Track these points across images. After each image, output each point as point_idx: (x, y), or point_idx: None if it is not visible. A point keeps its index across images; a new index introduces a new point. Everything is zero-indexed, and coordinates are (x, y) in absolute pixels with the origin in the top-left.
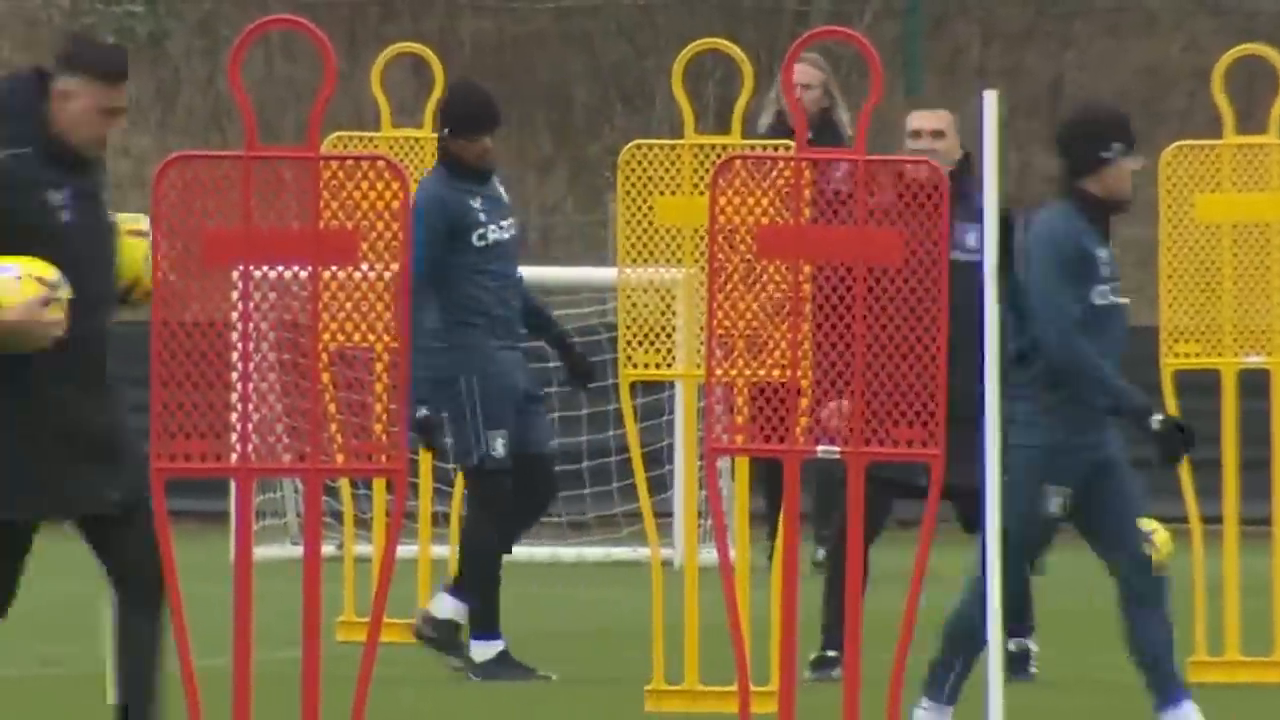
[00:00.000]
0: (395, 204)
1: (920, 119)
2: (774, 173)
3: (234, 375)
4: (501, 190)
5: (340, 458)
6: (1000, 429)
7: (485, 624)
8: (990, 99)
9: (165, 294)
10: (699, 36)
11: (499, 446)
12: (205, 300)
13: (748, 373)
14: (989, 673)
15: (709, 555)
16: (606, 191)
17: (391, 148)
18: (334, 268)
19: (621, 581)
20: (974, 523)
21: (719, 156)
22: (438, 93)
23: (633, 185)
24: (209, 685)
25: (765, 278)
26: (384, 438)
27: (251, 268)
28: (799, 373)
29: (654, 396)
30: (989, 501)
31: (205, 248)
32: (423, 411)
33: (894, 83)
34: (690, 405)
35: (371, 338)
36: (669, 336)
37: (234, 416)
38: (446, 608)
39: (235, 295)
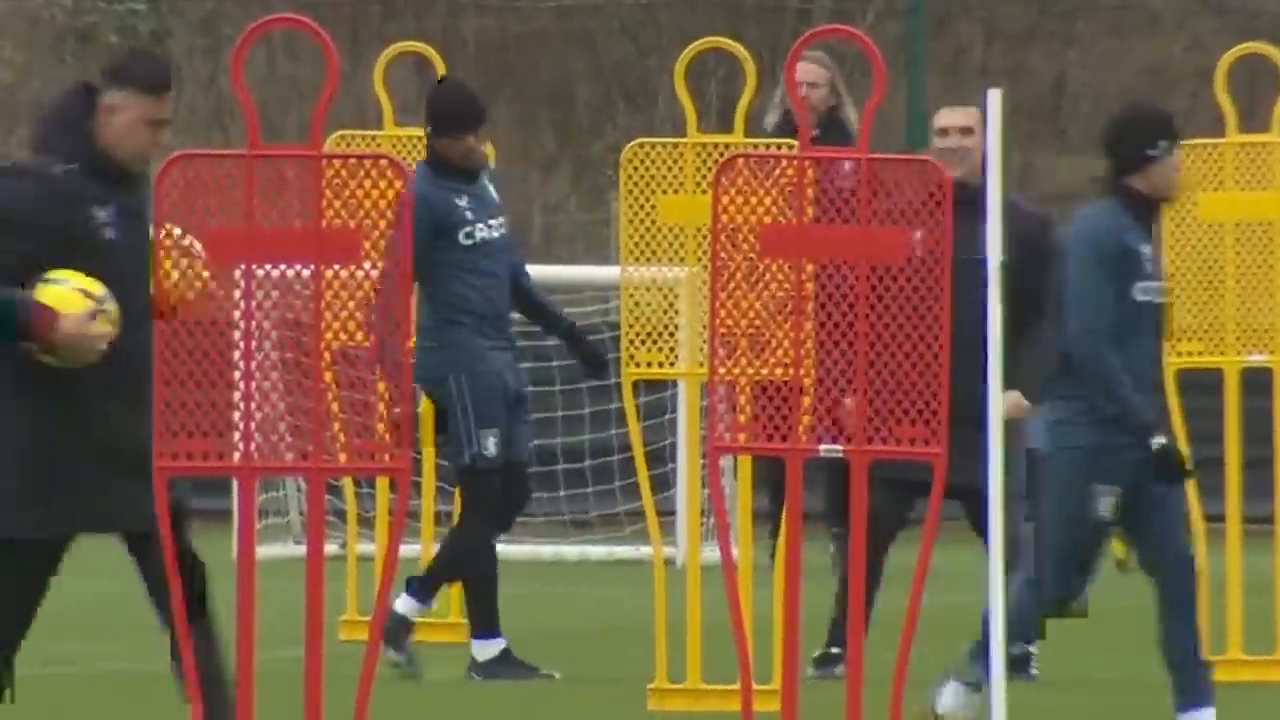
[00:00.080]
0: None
1: (948, 116)
2: (777, 171)
3: (236, 374)
4: (491, 190)
5: (343, 456)
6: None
7: (485, 623)
8: (994, 98)
9: (170, 295)
10: (701, 35)
11: (491, 445)
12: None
13: (750, 371)
14: (991, 673)
15: (711, 554)
16: (609, 190)
17: (394, 146)
18: (336, 266)
19: (624, 580)
20: (984, 522)
21: (721, 155)
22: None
23: (635, 184)
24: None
25: (768, 276)
26: (386, 436)
27: (254, 266)
28: (801, 371)
29: (657, 395)
30: (992, 502)
31: (208, 247)
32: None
33: (896, 82)
34: (693, 404)
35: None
36: (671, 335)
37: (236, 415)
38: (401, 603)
39: (237, 294)
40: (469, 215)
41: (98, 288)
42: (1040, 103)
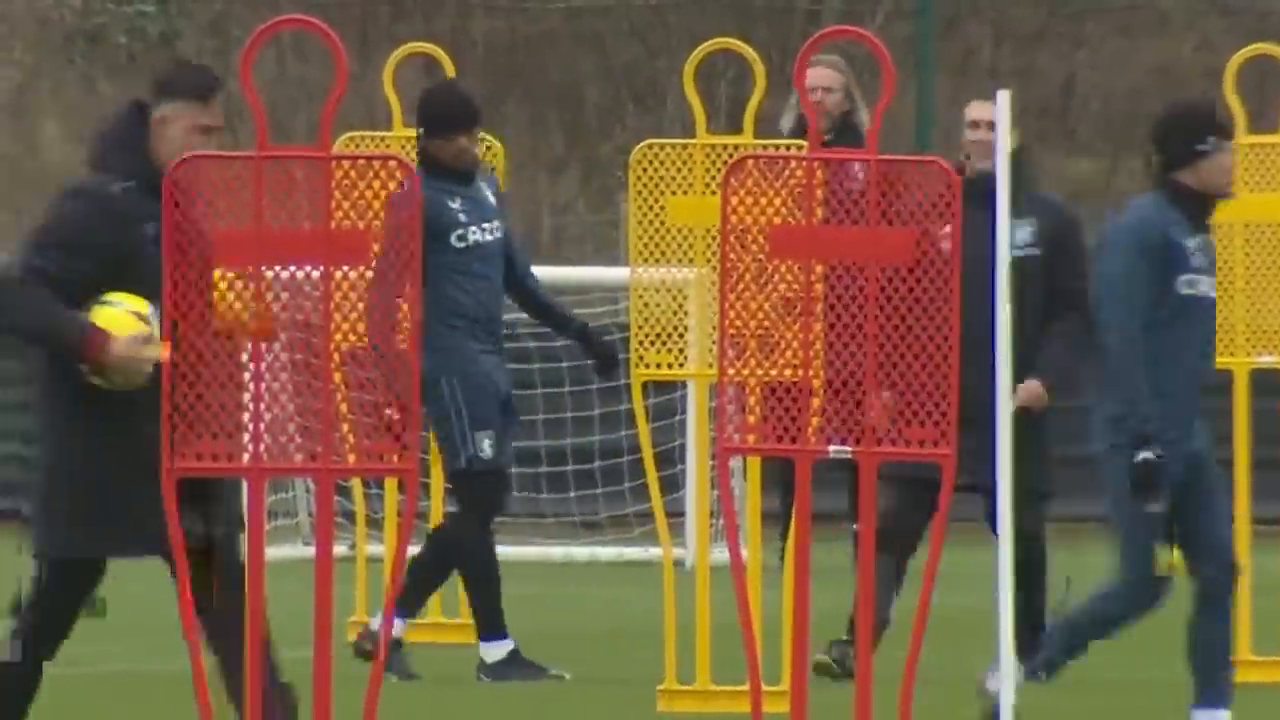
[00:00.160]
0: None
1: (978, 109)
2: (786, 173)
3: (246, 375)
4: (488, 193)
5: (352, 458)
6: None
7: (491, 625)
8: (1003, 99)
9: (177, 296)
10: (711, 36)
11: (486, 447)
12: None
13: (760, 372)
14: (1000, 673)
15: (721, 555)
16: (618, 191)
17: (403, 147)
18: (345, 268)
19: (634, 581)
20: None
21: (731, 156)
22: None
23: (644, 185)
24: (218, 684)
25: (777, 277)
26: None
27: (263, 268)
28: (811, 372)
29: (666, 396)
30: (1001, 502)
31: (217, 248)
32: None
33: (905, 83)
34: (702, 405)
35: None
36: (681, 336)
37: (246, 416)
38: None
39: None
40: (462, 218)
41: (148, 309)
42: (1049, 103)
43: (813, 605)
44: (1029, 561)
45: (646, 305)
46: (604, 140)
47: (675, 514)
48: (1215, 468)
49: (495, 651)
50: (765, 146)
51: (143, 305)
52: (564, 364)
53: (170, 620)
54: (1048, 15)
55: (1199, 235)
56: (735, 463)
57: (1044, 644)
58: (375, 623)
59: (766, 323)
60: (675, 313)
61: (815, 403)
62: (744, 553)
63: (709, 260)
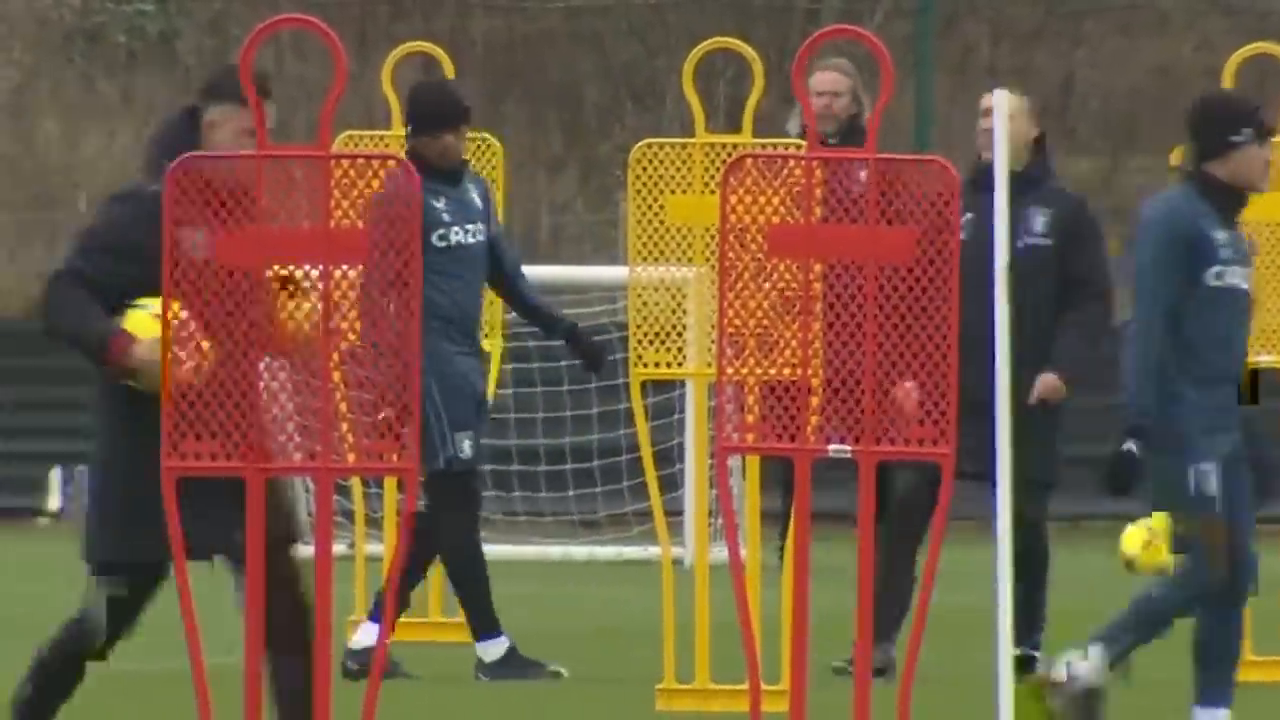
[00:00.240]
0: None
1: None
2: (785, 172)
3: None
4: (474, 196)
5: (351, 457)
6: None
7: (485, 624)
8: (1001, 98)
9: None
10: (710, 35)
11: (466, 447)
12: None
13: (759, 371)
14: (997, 673)
15: (720, 554)
16: (617, 190)
17: (402, 147)
18: (344, 266)
19: (632, 580)
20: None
21: (730, 155)
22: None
23: (643, 184)
24: (220, 683)
25: (776, 276)
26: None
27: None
28: (810, 371)
29: (665, 395)
30: (1000, 498)
31: (218, 248)
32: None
33: (904, 82)
34: (701, 404)
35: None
36: (680, 335)
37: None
38: (369, 638)
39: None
40: (445, 217)
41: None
42: (1048, 102)
43: (812, 604)
44: (1029, 551)
45: (645, 304)
46: (603, 139)
47: (674, 513)
48: (1245, 468)
49: (492, 650)
50: (764, 146)
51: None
52: (563, 363)
53: (171, 620)
54: (1046, 14)
55: (1229, 228)
56: (734, 462)
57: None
58: (356, 640)
59: (765, 322)
60: (674, 312)
61: (814, 402)
62: (743, 552)
63: (708, 259)
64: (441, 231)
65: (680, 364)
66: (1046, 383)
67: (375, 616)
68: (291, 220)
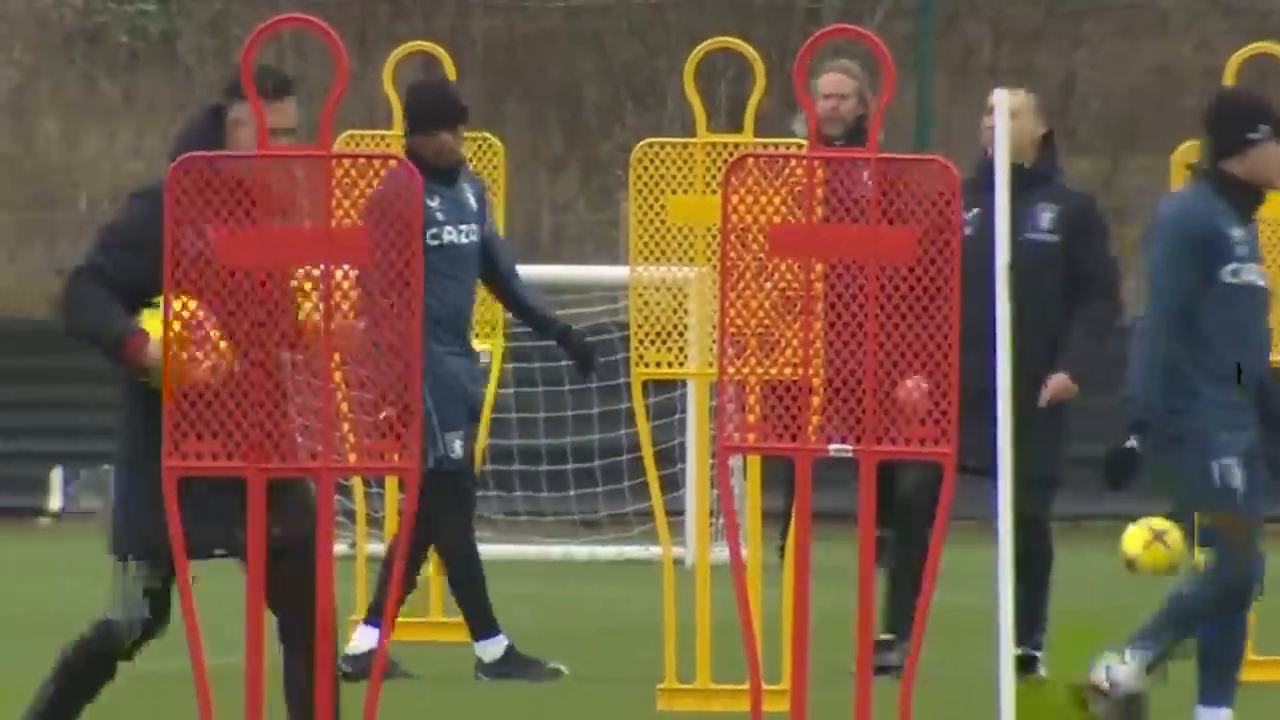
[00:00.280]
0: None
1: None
2: (786, 171)
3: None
4: (470, 196)
5: (352, 457)
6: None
7: (482, 624)
8: (1002, 98)
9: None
10: (710, 35)
11: (456, 447)
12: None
13: (760, 371)
14: (999, 673)
15: (721, 554)
16: (618, 190)
17: (403, 147)
18: (346, 266)
19: (633, 580)
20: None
21: (731, 155)
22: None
23: (644, 184)
24: (221, 683)
25: (777, 276)
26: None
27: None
28: (811, 371)
29: (666, 395)
30: (1001, 497)
31: (218, 249)
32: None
33: (905, 82)
34: (702, 404)
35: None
36: (681, 335)
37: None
38: (367, 642)
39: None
40: (438, 216)
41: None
42: (1049, 102)
43: (814, 604)
44: (1032, 551)
45: (646, 304)
46: (604, 139)
47: (675, 513)
48: (1261, 466)
49: (491, 650)
50: (766, 145)
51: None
52: (564, 363)
53: (172, 619)
54: (1047, 14)
55: (1245, 225)
56: (735, 461)
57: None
58: (353, 645)
59: (767, 321)
60: (675, 311)
61: (815, 401)
62: (744, 551)
63: (709, 259)
64: (434, 230)
65: (681, 364)
66: (1058, 383)
67: (370, 621)
68: (314, 219)
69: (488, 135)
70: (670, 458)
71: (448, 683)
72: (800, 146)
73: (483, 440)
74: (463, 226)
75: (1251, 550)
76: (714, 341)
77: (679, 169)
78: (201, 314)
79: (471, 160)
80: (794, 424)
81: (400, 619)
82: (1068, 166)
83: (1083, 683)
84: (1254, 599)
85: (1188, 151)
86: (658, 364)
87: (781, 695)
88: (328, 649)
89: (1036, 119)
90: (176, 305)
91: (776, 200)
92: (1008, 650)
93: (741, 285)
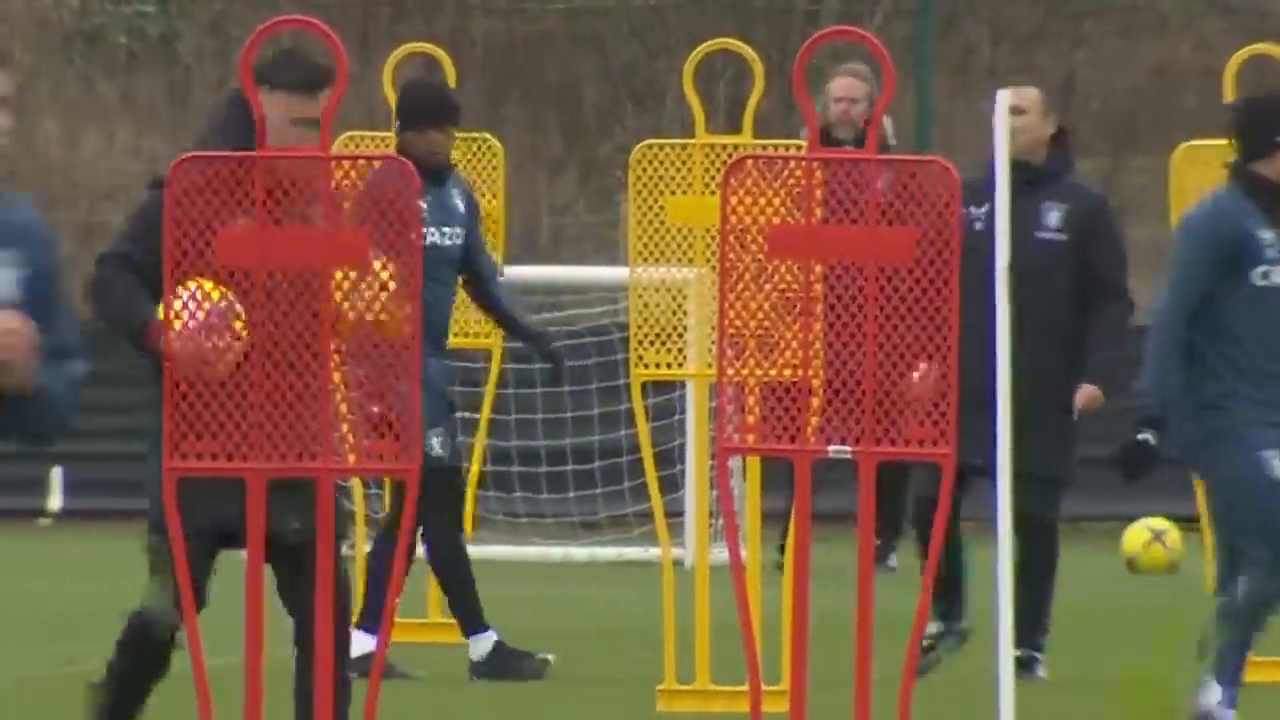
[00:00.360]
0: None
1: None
2: (785, 172)
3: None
4: (457, 200)
5: (351, 458)
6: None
7: (472, 622)
8: (1002, 98)
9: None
10: (710, 36)
11: (436, 445)
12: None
13: (759, 372)
14: (998, 674)
15: (720, 555)
16: (617, 191)
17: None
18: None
19: (633, 581)
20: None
21: (730, 156)
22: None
23: (644, 185)
24: (221, 683)
25: (776, 277)
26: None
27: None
28: (810, 372)
29: (665, 396)
30: (1000, 497)
31: (219, 248)
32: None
33: (904, 82)
34: (702, 405)
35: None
36: (680, 336)
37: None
38: (362, 645)
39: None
40: (423, 216)
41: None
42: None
43: (813, 605)
44: (1035, 551)
45: (646, 305)
46: (603, 140)
47: (675, 514)
48: None
49: (480, 646)
50: (764, 146)
51: (216, 294)
52: (564, 364)
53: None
54: (1046, 15)
55: (1276, 228)
56: (734, 463)
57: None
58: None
59: (766, 323)
60: (675, 312)
61: (814, 403)
62: (743, 552)
63: (708, 260)
64: None
65: (681, 365)
66: (1087, 394)
67: (364, 626)
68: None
69: (487, 136)
70: (670, 459)
71: (446, 684)
72: (798, 148)
73: (481, 441)
74: (446, 229)
75: None
76: (713, 342)
77: (678, 170)
78: (224, 302)
79: (471, 161)
80: (793, 425)
81: (402, 620)
82: None
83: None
84: None
85: (1187, 151)
86: (657, 365)
87: (781, 696)
88: (325, 649)
89: (1045, 117)
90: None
91: (775, 201)
92: (1007, 651)
93: (740, 286)
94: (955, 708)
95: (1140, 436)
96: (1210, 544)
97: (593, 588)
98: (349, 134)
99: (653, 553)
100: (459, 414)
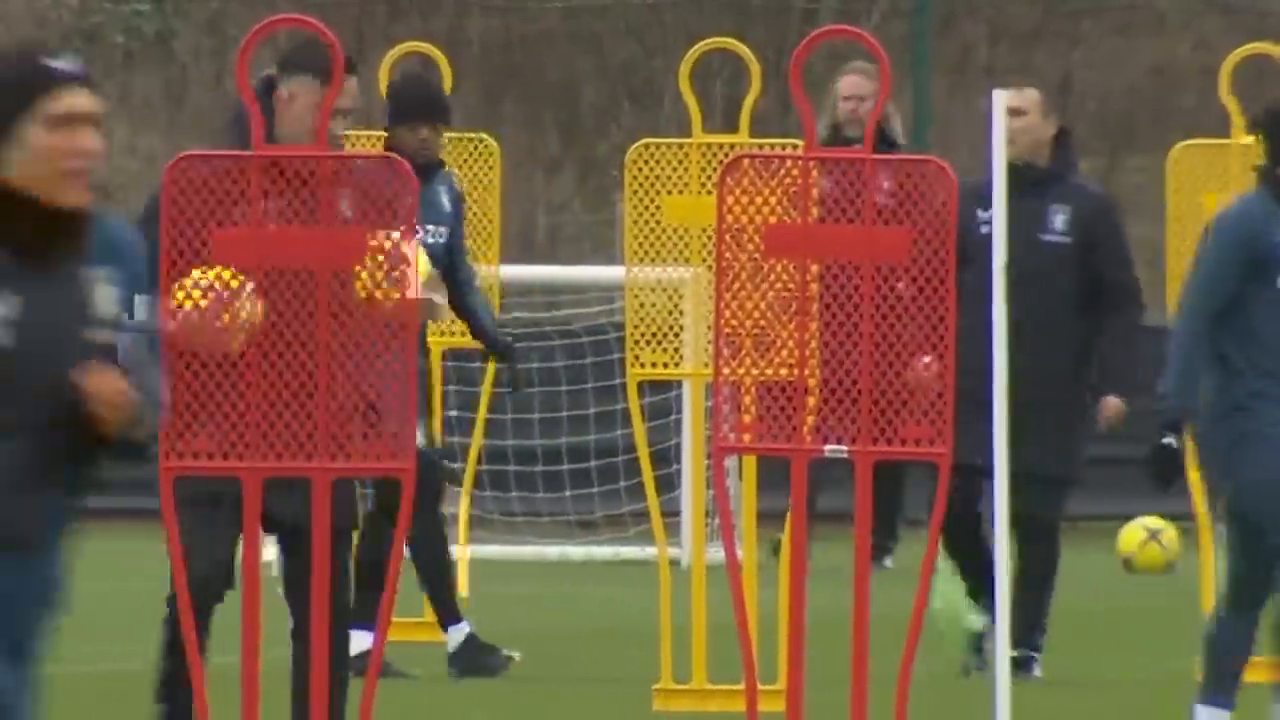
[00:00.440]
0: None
1: (1010, 98)
2: (781, 172)
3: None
4: (444, 198)
5: (348, 457)
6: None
7: (448, 614)
8: (999, 98)
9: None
10: (707, 35)
11: (418, 438)
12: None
13: (755, 372)
14: (995, 674)
15: (716, 554)
16: (614, 190)
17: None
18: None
19: (629, 580)
20: (1017, 517)
21: (727, 155)
22: (446, 92)
23: (640, 184)
24: (217, 683)
25: (773, 277)
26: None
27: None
28: (806, 372)
29: (661, 396)
30: (998, 497)
31: (215, 248)
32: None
33: (902, 82)
34: (698, 404)
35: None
36: (676, 336)
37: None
38: (357, 644)
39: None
40: None
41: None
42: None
43: (810, 604)
44: (1036, 552)
45: (642, 304)
46: (600, 139)
47: (671, 513)
48: None
49: (454, 637)
50: (761, 146)
51: (235, 282)
52: (559, 364)
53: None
54: (1044, 14)
55: None
56: (731, 462)
57: None
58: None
59: (762, 322)
60: (671, 312)
61: (811, 402)
62: (739, 552)
63: (705, 259)
64: None
65: (677, 364)
66: (1112, 406)
67: (356, 624)
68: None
69: (484, 136)
70: (666, 458)
71: (441, 682)
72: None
73: (478, 440)
74: (429, 227)
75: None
76: (710, 342)
77: (675, 169)
78: (235, 282)
79: (467, 161)
80: (789, 425)
81: (398, 619)
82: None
83: None
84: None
85: (1184, 151)
86: (653, 364)
87: (777, 695)
88: (322, 649)
89: (1046, 118)
90: (211, 275)
91: (772, 201)
92: (1004, 651)
93: (737, 286)
94: (952, 707)
95: (1164, 441)
96: (1206, 543)
97: (589, 587)
98: (344, 133)
99: (649, 552)
100: (456, 413)
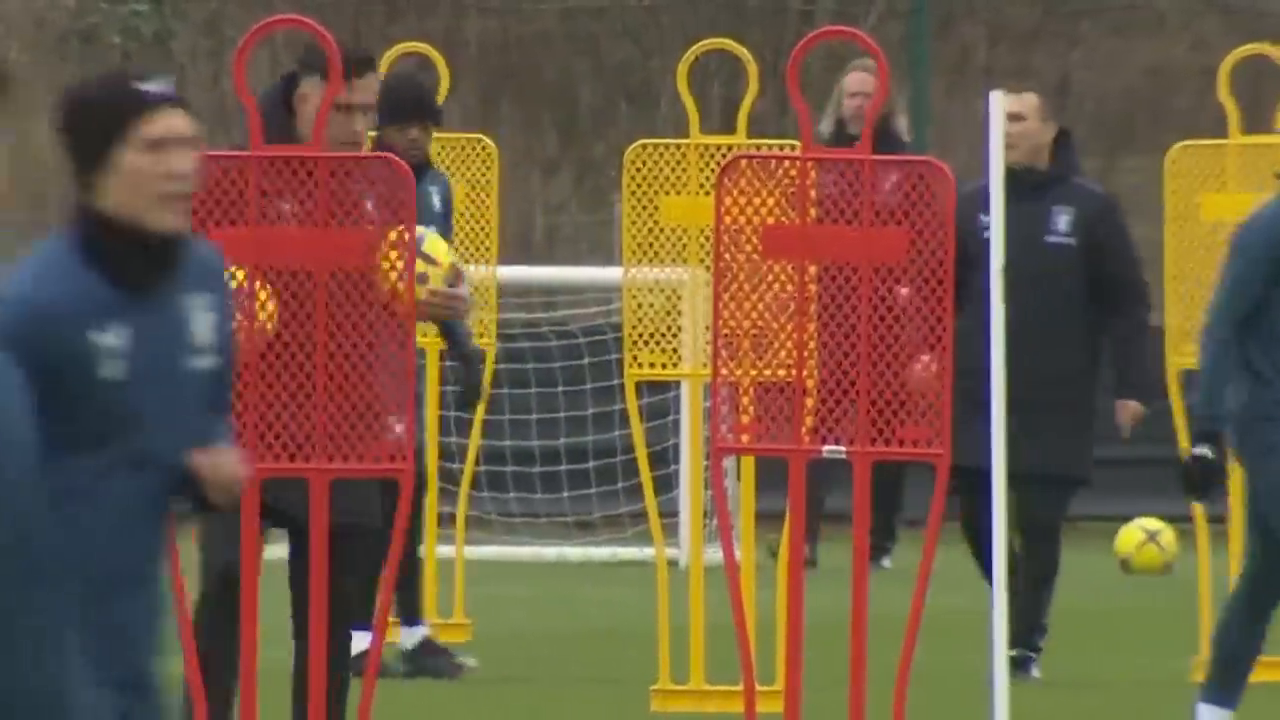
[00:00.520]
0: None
1: (1008, 103)
2: (779, 172)
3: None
4: (435, 198)
5: (346, 459)
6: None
7: (411, 609)
8: (996, 100)
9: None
10: (704, 36)
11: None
12: None
13: (753, 372)
14: (993, 674)
15: (715, 555)
16: (612, 191)
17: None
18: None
19: (627, 581)
20: (1019, 517)
21: (724, 156)
22: (443, 93)
23: (638, 185)
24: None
25: (770, 277)
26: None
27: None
28: (804, 372)
29: (660, 396)
30: (996, 496)
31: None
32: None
33: (900, 83)
34: (696, 405)
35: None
36: (674, 336)
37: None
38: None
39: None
40: None
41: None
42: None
43: (808, 605)
44: (1036, 552)
45: (640, 305)
46: (597, 140)
47: (669, 514)
48: None
49: (412, 637)
50: (759, 146)
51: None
52: (557, 364)
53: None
54: (1043, 15)
55: None
56: (729, 463)
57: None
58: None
59: (760, 322)
60: (669, 313)
61: (809, 403)
62: (737, 553)
63: (703, 260)
64: None
65: (675, 365)
66: (1130, 410)
67: (407, 620)
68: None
69: (481, 137)
70: (664, 459)
71: (441, 682)
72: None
73: (475, 441)
74: (419, 226)
75: None
76: (708, 342)
77: (673, 170)
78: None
79: (466, 162)
80: (788, 425)
81: (397, 620)
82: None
83: None
84: None
85: (1181, 151)
86: (651, 365)
87: (776, 696)
88: (320, 648)
89: (1045, 122)
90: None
91: (770, 201)
92: (1002, 651)
93: (735, 286)
94: (950, 708)
95: (1198, 452)
96: (1203, 544)
97: (587, 588)
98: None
99: (647, 553)
100: (454, 414)
